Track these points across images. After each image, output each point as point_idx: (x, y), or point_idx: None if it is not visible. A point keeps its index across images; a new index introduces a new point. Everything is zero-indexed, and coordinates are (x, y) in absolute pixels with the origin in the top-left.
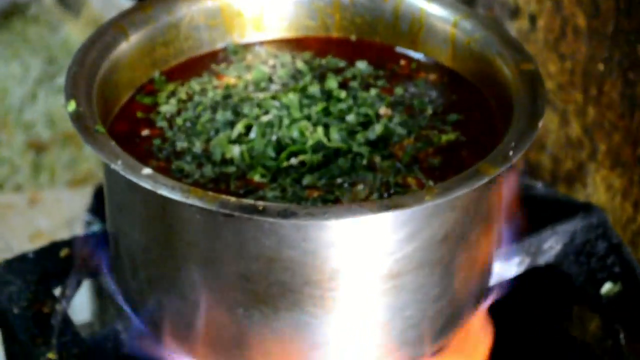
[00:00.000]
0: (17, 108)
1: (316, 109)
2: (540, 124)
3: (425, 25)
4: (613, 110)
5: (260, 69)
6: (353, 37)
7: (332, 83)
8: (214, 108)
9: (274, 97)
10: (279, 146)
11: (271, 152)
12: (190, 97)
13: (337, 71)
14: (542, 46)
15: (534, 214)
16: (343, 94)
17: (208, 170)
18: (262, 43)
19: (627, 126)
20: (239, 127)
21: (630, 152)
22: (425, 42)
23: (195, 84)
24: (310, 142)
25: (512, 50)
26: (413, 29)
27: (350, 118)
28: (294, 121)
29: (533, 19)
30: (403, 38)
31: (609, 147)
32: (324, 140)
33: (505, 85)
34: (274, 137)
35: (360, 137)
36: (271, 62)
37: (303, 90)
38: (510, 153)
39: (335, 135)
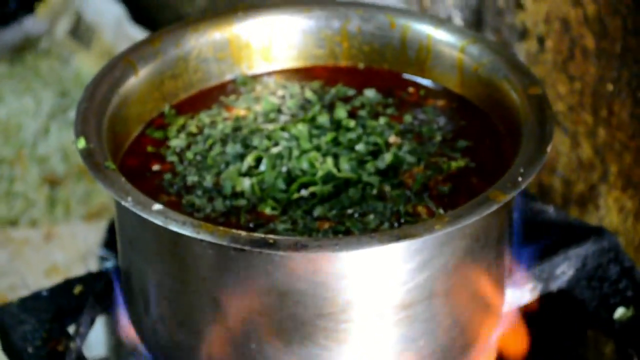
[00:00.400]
0: (30, 143)
1: (325, 139)
2: (548, 149)
3: (433, 51)
4: (623, 130)
5: (269, 100)
6: (361, 65)
7: (341, 112)
8: (224, 141)
9: (283, 129)
10: (289, 178)
11: (281, 184)
12: (200, 130)
13: (346, 100)
14: (551, 67)
15: (545, 239)
16: (352, 123)
17: (219, 204)
18: (270, 73)
19: (638, 146)
20: (249, 160)
21: None
22: (433, 69)
23: (205, 117)
24: (320, 173)
25: (520, 75)
26: (421, 55)
27: (360, 147)
28: (303, 152)
29: (541, 41)
30: (411, 65)
31: (620, 168)
32: (334, 170)
33: (514, 110)
34: (284, 169)
35: (370, 166)
36: (280, 92)
37: (312, 121)
38: (520, 179)
39: (345, 165)
